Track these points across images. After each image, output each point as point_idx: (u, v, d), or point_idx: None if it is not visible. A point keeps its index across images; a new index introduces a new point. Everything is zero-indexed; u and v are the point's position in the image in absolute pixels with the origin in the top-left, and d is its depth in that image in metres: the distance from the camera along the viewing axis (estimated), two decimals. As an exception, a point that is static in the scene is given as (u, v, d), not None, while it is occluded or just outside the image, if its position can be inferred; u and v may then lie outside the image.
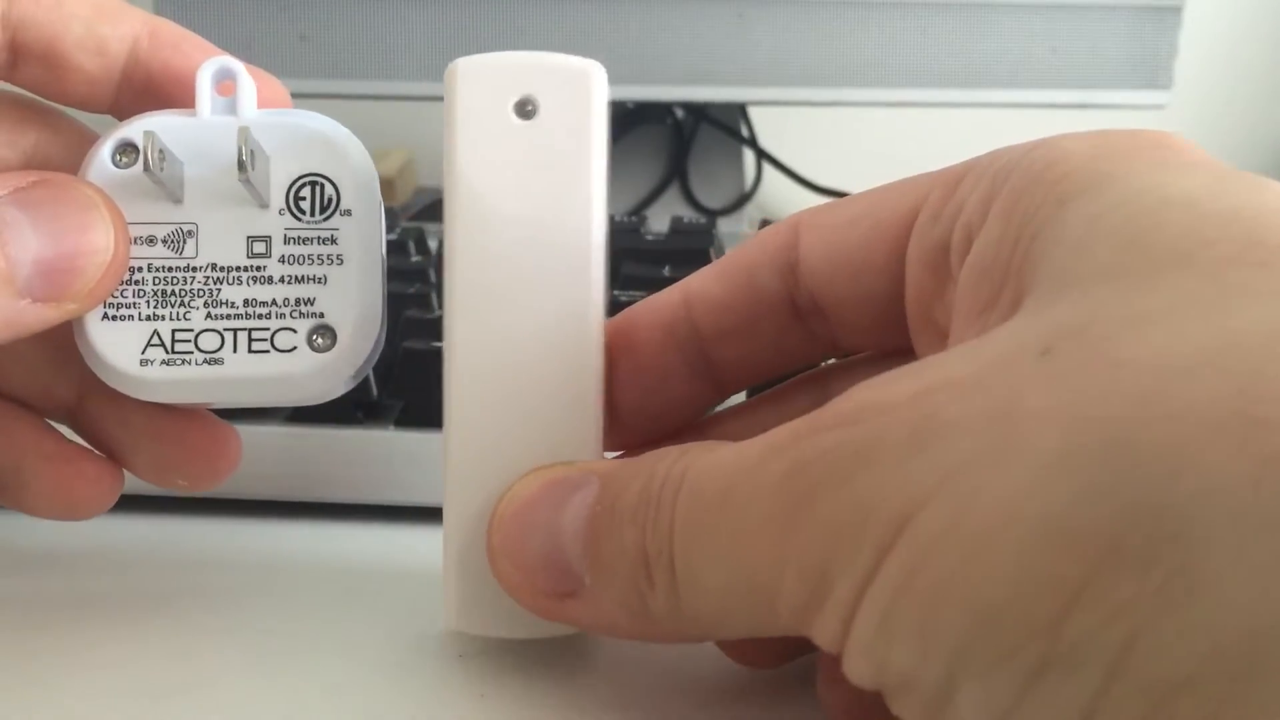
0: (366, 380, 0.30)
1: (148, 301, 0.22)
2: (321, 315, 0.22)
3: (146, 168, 0.21)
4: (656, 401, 0.23)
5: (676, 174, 0.61)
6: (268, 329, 0.22)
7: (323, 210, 0.22)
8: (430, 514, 0.29)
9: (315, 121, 0.23)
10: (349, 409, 0.30)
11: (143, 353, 0.22)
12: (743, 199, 0.62)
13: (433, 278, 0.36)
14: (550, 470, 0.21)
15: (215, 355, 0.22)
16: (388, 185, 0.59)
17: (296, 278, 0.22)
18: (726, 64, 0.51)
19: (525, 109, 0.21)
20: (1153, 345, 0.14)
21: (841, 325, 0.22)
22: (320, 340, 0.22)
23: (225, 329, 0.22)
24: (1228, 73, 0.71)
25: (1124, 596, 0.13)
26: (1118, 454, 0.13)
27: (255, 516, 0.29)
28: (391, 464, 0.30)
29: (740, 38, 0.51)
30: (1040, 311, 0.16)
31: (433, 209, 0.60)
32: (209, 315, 0.22)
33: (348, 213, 0.22)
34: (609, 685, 0.22)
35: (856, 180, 0.62)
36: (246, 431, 0.29)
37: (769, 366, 0.23)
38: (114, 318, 0.22)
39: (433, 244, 0.42)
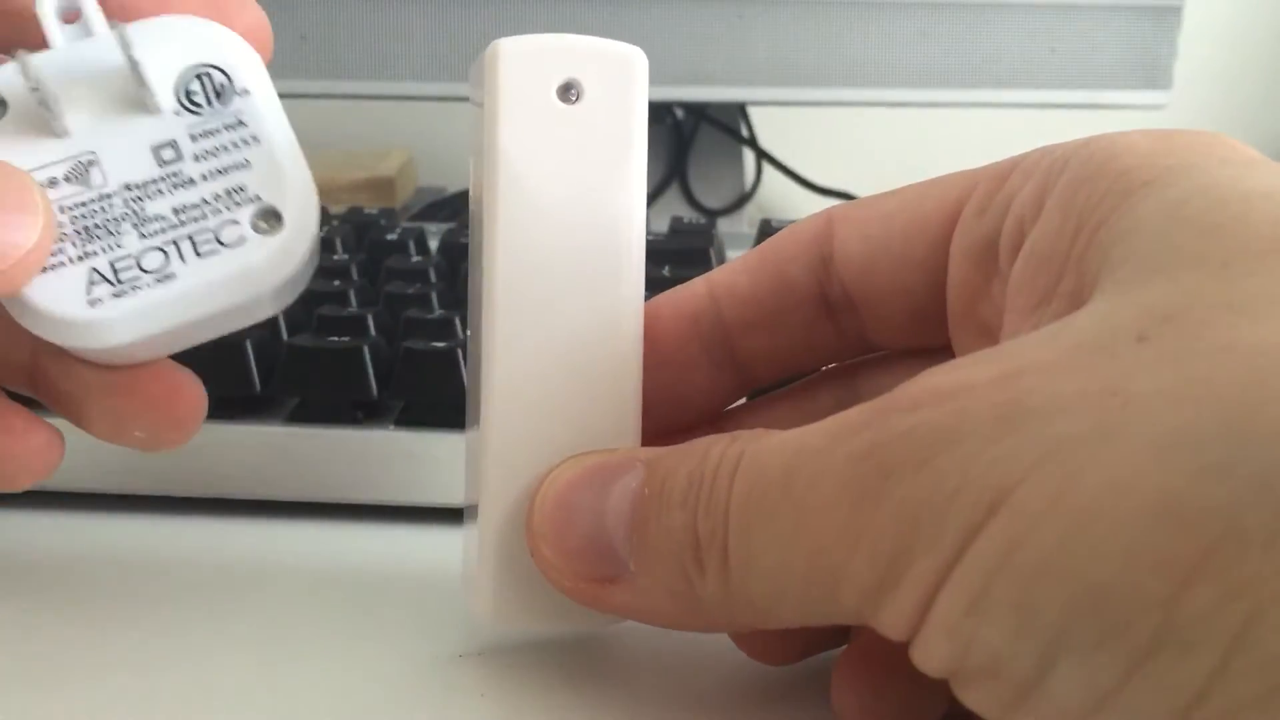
0: (366, 380, 0.30)
1: (73, 244, 0.21)
2: (258, 198, 0.21)
3: (43, 102, 0.20)
4: (676, 393, 0.23)
5: (676, 174, 0.61)
6: (209, 229, 0.21)
7: (219, 98, 0.21)
8: (430, 514, 0.29)
9: (176, 18, 0.22)
10: (349, 409, 0.30)
11: (88, 294, 0.20)
12: (743, 199, 0.62)
13: (433, 277, 0.36)
14: (592, 455, 0.20)
15: (166, 272, 0.21)
16: (388, 185, 0.59)
17: (218, 170, 0.21)
18: (726, 64, 0.51)
19: (569, 93, 0.21)
20: (1258, 330, 0.14)
21: (874, 321, 0.22)
22: (265, 224, 0.21)
23: (165, 243, 0.21)
24: (1228, 73, 0.71)
25: (1246, 573, 0.13)
26: (1238, 433, 0.13)
27: (255, 516, 0.29)
28: (391, 464, 0.29)
29: (740, 38, 0.51)
30: (1124, 298, 0.16)
31: (433, 209, 0.60)
32: (142, 235, 0.21)
33: (245, 93, 0.22)
34: (609, 685, 0.22)
35: (856, 180, 0.63)
36: (247, 431, 0.30)
37: (795, 361, 0.23)
38: (42, 270, 0.20)
39: (433, 244, 0.41)
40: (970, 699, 0.15)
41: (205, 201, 0.21)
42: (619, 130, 0.21)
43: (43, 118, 0.21)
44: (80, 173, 0.21)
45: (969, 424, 0.15)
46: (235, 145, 0.21)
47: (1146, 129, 0.19)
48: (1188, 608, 0.13)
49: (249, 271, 0.21)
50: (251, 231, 0.21)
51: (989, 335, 0.20)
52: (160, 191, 0.21)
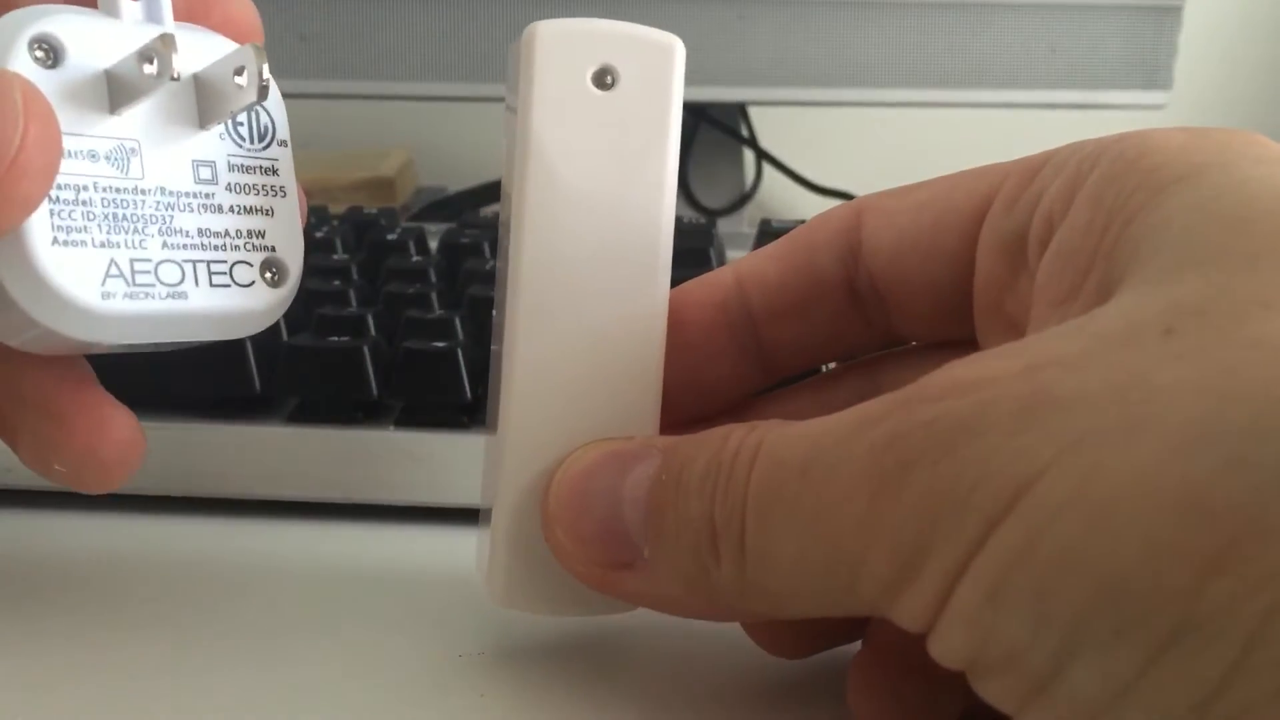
0: (366, 380, 0.30)
1: (99, 225, 0.19)
2: (272, 249, 0.21)
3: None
4: (701, 380, 0.23)
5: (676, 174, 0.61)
6: (225, 261, 0.21)
7: (261, 139, 0.21)
8: (430, 514, 0.29)
9: (228, 41, 0.21)
10: (349, 409, 0.30)
11: (103, 284, 0.19)
12: (743, 199, 0.62)
13: (433, 277, 0.36)
14: (610, 442, 0.21)
15: (178, 289, 0.20)
16: (388, 185, 0.59)
17: (245, 208, 0.21)
18: (726, 64, 0.51)
19: (604, 80, 0.20)
20: None
21: (900, 312, 0.22)
22: (271, 275, 0.21)
23: (184, 260, 0.20)
24: (1228, 73, 0.71)
25: (1268, 567, 0.13)
26: (1262, 427, 0.13)
27: (255, 516, 0.29)
28: (391, 464, 0.29)
29: (740, 38, 0.51)
30: (1151, 292, 0.16)
31: (433, 209, 0.60)
32: (165, 244, 0.20)
33: (284, 143, 0.22)
34: (609, 685, 0.22)
35: (856, 180, 0.63)
36: (247, 431, 0.30)
37: (820, 351, 0.23)
38: (65, 243, 0.19)
39: (433, 244, 0.41)
40: (988, 691, 0.15)
41: (227, 233, 0.21)
42: (654, 119, 0.21)
43: (98, 87, 0.20)
44: (121, 158, 0.20)
45: (991, 416, 0.15)
46: (265, 190, 0.21)
47: (1180, 126, 0.19)
48: (1208, 600, 0.13)
49: (248, 315, 0.21)
50: (260, 278, 0.21)
51: (1015, 330, 0.20)
52: (190, 208, 0.21)
